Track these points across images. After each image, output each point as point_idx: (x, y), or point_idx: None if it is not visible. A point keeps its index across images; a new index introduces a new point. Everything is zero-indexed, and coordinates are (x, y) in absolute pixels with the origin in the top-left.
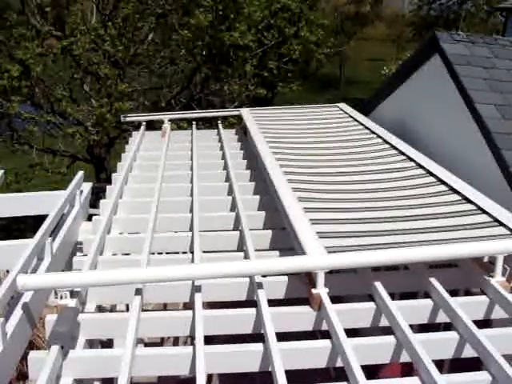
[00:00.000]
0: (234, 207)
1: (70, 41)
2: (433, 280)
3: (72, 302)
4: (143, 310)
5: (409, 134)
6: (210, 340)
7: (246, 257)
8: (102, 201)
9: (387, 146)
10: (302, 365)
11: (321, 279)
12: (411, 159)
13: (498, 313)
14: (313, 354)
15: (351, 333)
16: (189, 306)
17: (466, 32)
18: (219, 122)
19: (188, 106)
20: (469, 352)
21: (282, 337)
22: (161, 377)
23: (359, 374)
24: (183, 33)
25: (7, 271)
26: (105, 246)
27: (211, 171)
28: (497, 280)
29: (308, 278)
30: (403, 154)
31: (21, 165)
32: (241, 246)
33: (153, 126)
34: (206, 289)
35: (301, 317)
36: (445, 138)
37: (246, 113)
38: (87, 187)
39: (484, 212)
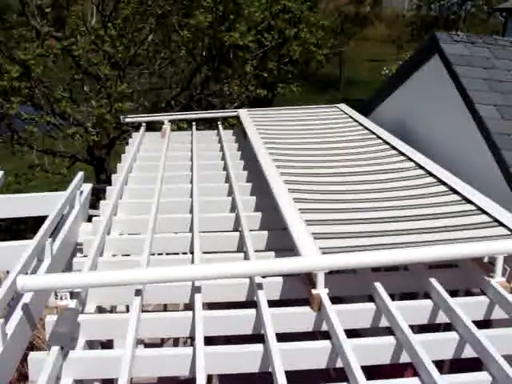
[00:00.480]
0: (233, 208)
1: (70, 41)
2: (433, 280)
3: (72, 303)
4: (143, 311)
5: (409, 135)
6: (209, 341)
7: (246, 257)
8: (101, 202)
9: (387, 146)
10: (302, 365)
11: (321, 280)
12: (411, 159)
13: (498, 313)
14: (313, 355)
15: (351, 333)
16: (189, 306)
17: (465, 33)
18: (219, 122)
19: (188, 107)
20: (469, 352)
21: (282, 337)
22: (161, 377)
23: (359, 375)
24: (183, 33)
25: (7, 272)
26: (105, 246)
27: (211, 172)
28: (497, 280)
29: (308, 278)
30: (403, 154)
31: (21, 166)
32: (241, 247)
33: (153, 126)
34: (206, 289)
35: (301, 317)
36: (445, 138)
37: (243, 114)
38: (87, 188)
39: (484, 212)
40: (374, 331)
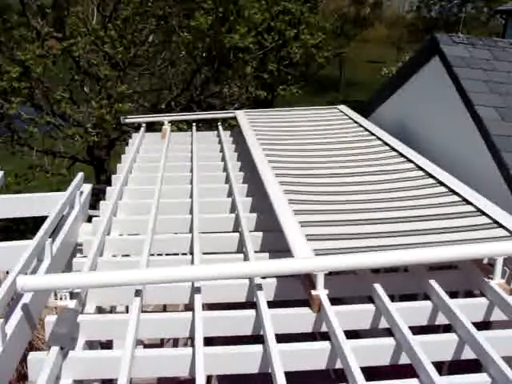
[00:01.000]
0: (233, 209)
1: (70, 42)
2: (432, 282)
3: (72, 303)
4: (143, 312)
5: (409, 136)
6: (209, 341)
7: (246, 258)
8: (101, 202)
9: (387, 147)
10: (301, 366)
11: (320, 281)
12: (410, 161)
13: (498, 315)
14: (312, 356)
15: (351, 334)
16: (188, 307)
17: (466, 34)
18: (219, 123)
19: (188, 108)
20: (468, 354)
21: (282, 338)
22: (160, 378)
23: (359, 376)
24: (183, 35)
25: (7, 272)
26: (105, 247)
27: (211, 173)
28: (496, 282)
29: (308, 279)
30: (402, 155)
31: (21, 166)
32: (240, 248)
33: (153, 127)
34: (206, 290)
35: (300, 318)
36: (445, 139)
37: (241, 115)
38: (87, 188)
39: (483, 214)
40: (373, 332)
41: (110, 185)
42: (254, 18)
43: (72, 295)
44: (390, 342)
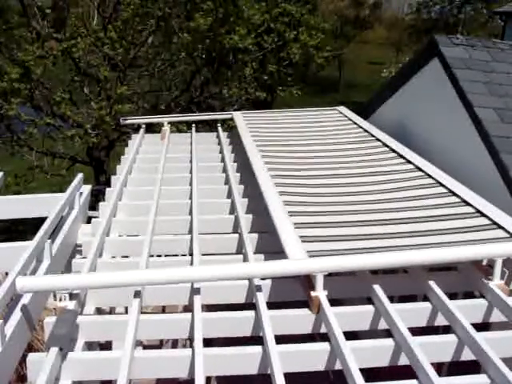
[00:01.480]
0: (233, 210)
1: (71, 43)
2: (431, 283)
3: (71, 304)
4: (142, 313)
5: (408, 137)
6: (208, 342)
7: (245, 259)
8: (101, 203)
9: (386, 148)
10: (300, 367)
11: (320, 282)
12: (409, 162)
13: (497, 316)
14: (312, 357)
15: (350, 335)
16: (188, 308)
17: (465, 36)
18: (218, 124)
19: (188, 109)
20: (467, 355)
21: (281, 339)
22: (159, 379)
23: (358, 377)
24: (183, 36)
25: (6, 273)
26: (104, 248)
27: (210, 174)
28: (495, 283)
29: (307, 280)
30: (401, 156)
31: (20, 167)
32: (240, 249)
33: (152, 128)
34: (205, 291)
35: (300, 319)
36: (444, 141)
37: (238, 117)
38: (86, 189)
39: (482, 215)
40: (372, 333)
41: (109, 186)
42: (253, 20)
43: (71, 296)
44: (389, 343)
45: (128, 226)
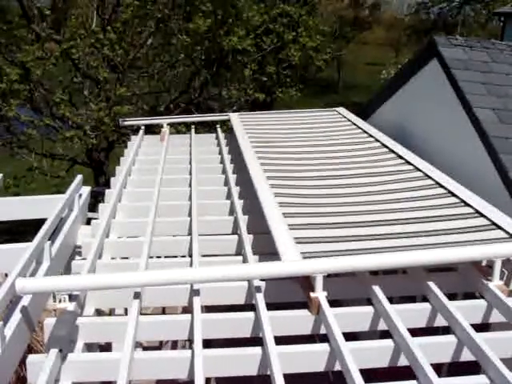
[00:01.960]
0: (232, 211)
1: (70, 44)
2: (431, 284)
3: (71, 306)
4: (142, 314)
5: (408, 138)
6: (208, 343)
7: (245, 261)
8: (100, 204)
9: (385, 149)
10: (300, 368)
11: (319, 283)
12: (409, 163)
13: (496, 316)
14: (311, 358)
15: (350, 336)
16: (187, 309)
17: (464, 37)
18: (218, 126)
19: (187, 111)
20: (467, 355)
21: (281, 340)
22: (159, 380)
23: (357, 378)
24: (182, 38)
25: (6, 274)
26: (103, 249)
27: (210, 175)
28: (495, 284)
29: (306, 281)
30: (401, 157)
31: (19, 168)
32: (239, 250)
33: (152, 130)
34: (205, 292)
35: (299, 320)
36: (443, 141)
37: (234, 118)
38: (86, 191)
39: (482, 215)
40: (372, 334)
41: (108, 187)
42: (252, 21)
43: (71, 297)
44: (388, 343)
45: (127, 228)
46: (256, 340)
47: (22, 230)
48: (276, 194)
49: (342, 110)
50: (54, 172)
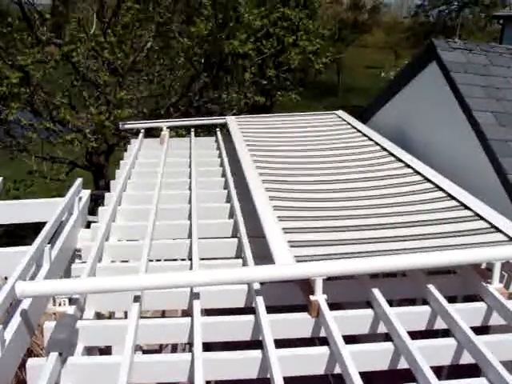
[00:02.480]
0: (232, 214)
1: (70, 48)
2: (431, 286)
3: (70, 309)
4: (142, 317)
5: (407, 141)
6: (208, 347)
7: (245, 264)
8: (100, 208)
9: (384, 153)
10: (300, 371)
11: (319, 286)
12: (408, 166)
13: (496, 319)
14: (311, 361)
15: (349, 339)
16: (187, 312)
17: (463, 40)
18: (217, 129)
19: (187, 114)
20: (467, 358)
21: (281, 343)
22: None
23: (357, 381)
24: (183, 41)
25: (6, 278)
26: (103, 252)
27: (210, 178)
28: (494, 286)
29: (306, 284)
30: (400, 160)
31: (19, 172)
32: (239, 253)
33: (151, 133)
34: (205, 296)
35: (299, 323)
36: (443, 144)
37: (231, 121)
38: (86, 194)
39: (481, 218)
40: (372, 337)
41: (108, 190)
42: (253, 25)
43: (71, 301)
44: (388, 346)
45: (127, 231)
46: (256, 343)
47: (21, 234)
48: (271, 198)
49: (341, 113)
50: (53, 175)
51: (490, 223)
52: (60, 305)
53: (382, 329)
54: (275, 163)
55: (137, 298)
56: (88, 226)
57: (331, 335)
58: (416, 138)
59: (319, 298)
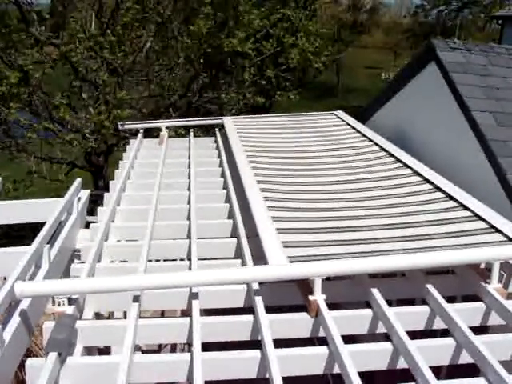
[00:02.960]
0: (231, 215)
1: (69, 48)
2: (430, 286)
3: (70, 309)
4: (141, 317)
5: (407, 141)
6: (207, 347)
7: (244, 264)
8: (99, 208)
9: (383, 153)
10: (299, 371)
11: (318, 286)
12: (407, 166)
13: (495, 319)
14: (310, 361)
15: (348, 339)
16: (186, 312)
17: (462, 40)
18: (216, 129)
19: (186, 114)
20: (466, 358)
21: (280, 343)
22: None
23: (356, 381)
24: (183, 39)
25: (4, 278)
26: (102, 253)
27: (209, 179)
28: (493, 286)
29: (305, 284)
30: (399, 161)
31: (18, 172)
32: (238, 253)
33: (151, 133)
34: (204, 296)
35: (298, 323)
36: (442, 145)
37: (228, 122)
38: (85, 194)
39: (480, 218)
40: (371, 337)
41: (107, 191)
42: (253, 24)
43: (70, 301)
44: (387, 346)
45: (126, 231)
46: (255, 343)
47: (20, 234)
48: (266, 198)
49: (340, 113)
50: (53, 176)
51: (489, 223)
52: (59, 305)
53: (381, 329)
54: (272, 163)
55: (136, 298)
56: (87, 226)
57: (330, 335)
58: (415, 139)
59: (318, 297)
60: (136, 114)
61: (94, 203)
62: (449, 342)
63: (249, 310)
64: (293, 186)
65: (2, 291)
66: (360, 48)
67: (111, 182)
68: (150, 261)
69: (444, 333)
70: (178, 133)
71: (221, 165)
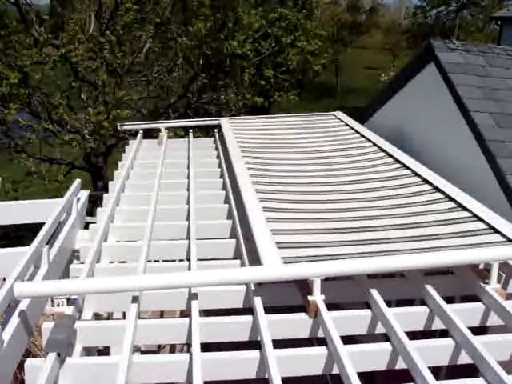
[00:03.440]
0: (230, 215)
1: (69, 48)
2: (429, 287)
3: (69, 310)
4: (140, 318)
5: (406, 142)
6: (206, 347)
7: (243, 264)
8: (98, 209)
9: (383, 154)
10: (298, 372)
11: (317, 286)
12: (406, 167)
13: (494, 319)
14: (309, 361)
15: (347, 340)
16: (185, 313)
17: (461, 41)
18: (215, 130)
19: (185, 115)
20: (465, 359)
21: (279, 344)
22: None
23: (355, 381)
24: (182, 40)
25: (4, 279)
26: (102, 253)
27: (208, 179)
28: (492, 287)
29: (304, 285)
30: (398, 161)
31: (18, 173)
32: (237, 254)
33: (150, 134)
34: (203, 296)
35: (297, 324)
36: (441, 145)
37: (225, 123)
38: (84, 195)
39: (479, 219)
40: (370, 338)
41: (107, 191)
42: (252, 26)
43: (69, 302)
44: (386, 347)
45: (126, 232)
46: (254, 343)
47: (19, 235)
48: (261, 199)
49: (339, 113)
50: (52, 177)
51: (488, 224)
52: (58, 305)
53: (380, 329)
54: (268, 164)
55: (135, 299)
56: (86, 226)
57: (329, 335)
58: (414, 139)
59: (317, 298)
60: (135, 115)
61: (94, 204)
62: (448, 342)
63: (248, 310)
64: (290, 187)
65: (2, 292)
66: (359, 48)
67: (110, 182)
68: (150, 261)
69: (443, 333)
70: (177, 133)
71: (220, 165)
